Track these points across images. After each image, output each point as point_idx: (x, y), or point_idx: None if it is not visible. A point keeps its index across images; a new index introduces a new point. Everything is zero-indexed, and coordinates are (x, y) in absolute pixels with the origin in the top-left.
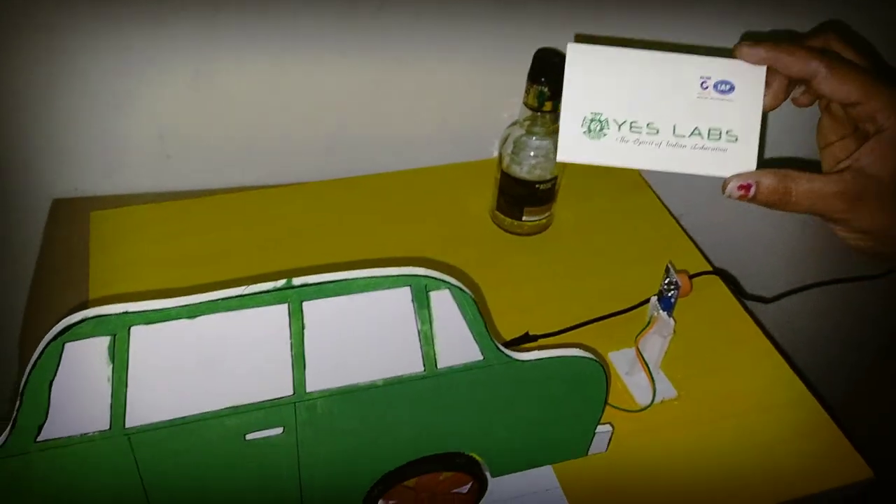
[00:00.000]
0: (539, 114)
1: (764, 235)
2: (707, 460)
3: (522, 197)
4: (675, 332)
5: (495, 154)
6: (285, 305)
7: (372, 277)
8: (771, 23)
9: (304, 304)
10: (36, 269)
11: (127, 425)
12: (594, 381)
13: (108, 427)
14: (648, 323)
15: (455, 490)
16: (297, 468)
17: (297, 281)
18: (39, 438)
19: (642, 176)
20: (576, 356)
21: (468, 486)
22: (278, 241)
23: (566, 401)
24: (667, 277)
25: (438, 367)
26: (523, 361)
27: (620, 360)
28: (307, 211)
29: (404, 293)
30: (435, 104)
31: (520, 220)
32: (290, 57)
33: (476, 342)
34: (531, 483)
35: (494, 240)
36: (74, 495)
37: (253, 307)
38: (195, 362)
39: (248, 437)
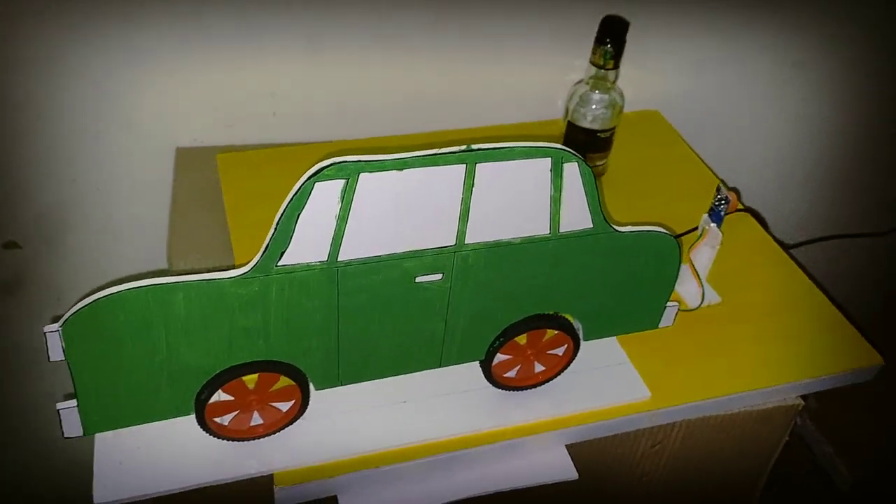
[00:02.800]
0: (603, 70)
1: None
2: (745, 347)
3: (586, 143)
4: (721, 242)
5: (560, 111)
6: (464, 166)
7: (529, 147)
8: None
9: (478, 165)
10: (172, 202)
11: (338, 259)
12: (670, 256)
13: (325, 259)
14: (700, 236)
15: (551, 351)
16: (445, 313)
17: (475, 146)
18: (279, 263)
19: (681, 136)
20: (660, 232)
21: (563, 348)
22: None
23: (647, 273)
24: (718, 194)
25: (560, 231)
26: (621, 233)
27: None
28: None
29: (545, 163)
30: (506, 69)
31: None
32: (387, 30)
33: (589, 211)
34: (604, 358)
35: None
36: (293, 316)
37: (442, 165)
38: (393, 209)
39: (418, 279)
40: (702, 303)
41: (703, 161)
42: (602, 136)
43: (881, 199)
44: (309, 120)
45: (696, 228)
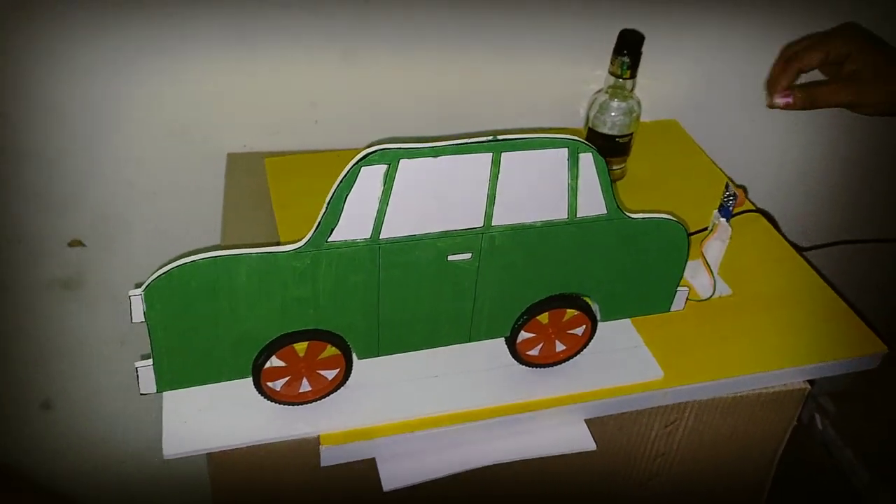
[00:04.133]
0: (621, 80)
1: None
2: (754, 334)
3: (605, 149)
4: (731, 237)
5: (581, 117)
6: (490, 154)
7: (549, 138)
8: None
9: (503, 154)
10: (224, 204)
11: (380, 237)
12: (679, 242)
13: (369, 236)
14: (711, 230)
15: (571, 331)
16: (474, 290)
17: (500, 137)
18: (329, 240)
19: (697, 143)
20: (669, 219)
21: (582, 328)
22: None
23: (658, 258)
24: (726, 191)
25: (577, 216)
26: (633, 219)
27: (686, 270)
28: None
29: (563, 153)
30: (531, 78)
31: None
32: (417, 43)
33: (603, 198)
34: (621, 341)
35: None
36: (339, 289)
37: (471, 153)
38: (429, 193)
39: (450, 258)
40: (713, 294)
41: (717, 166)
42: (620, 141)
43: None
44: (347, 127)
45: (706, 228)
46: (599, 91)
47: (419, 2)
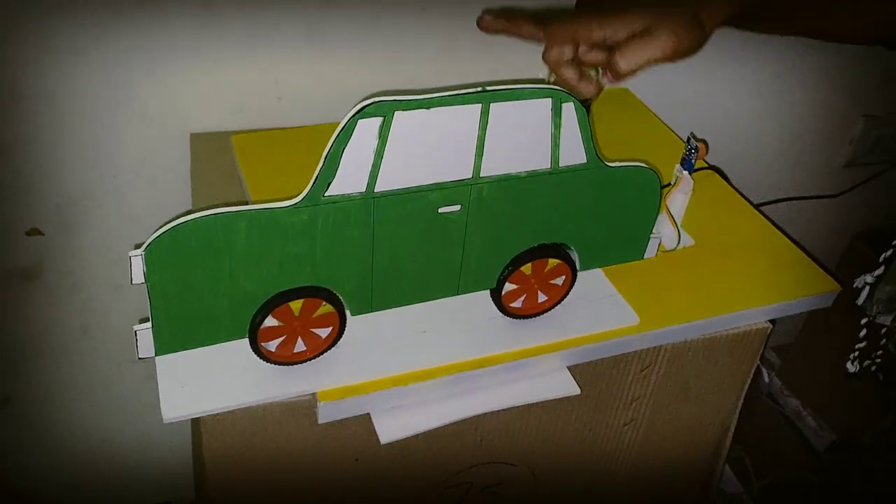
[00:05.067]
0: None
1: (753, 157)
2: (718, 280)
3: None
4: (693, 190)
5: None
6: (479, 105)
7: (534, 88)
8: None
9: (491, 105)
10: (192, 185)
11: (375, 190)
12: (652, 188)
13: (364, 190)
14: (674, 183)
15: (553, 281)
16: (463, 242)
17: (489, 87)
18: (326, 193)
19: (651, 110)
20: (644, 167)
21: (563, 278)
22: None
23: (633, 205)
24: (688, 144)
25: (560, 165)
26: (611, 167)
27: None
28: None
29: (547, 103)
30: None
31: None
32: (381, 24)
33: (584, 148)
34: (597, 291)
35: None
36: (335, 243)
37: (460, 104)
38: (421, 145)
39: (440, 210)
40: (678, 245)
41: (671, 130)
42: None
43: (831, 165)
44: (311, 104)
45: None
46: None
47: None
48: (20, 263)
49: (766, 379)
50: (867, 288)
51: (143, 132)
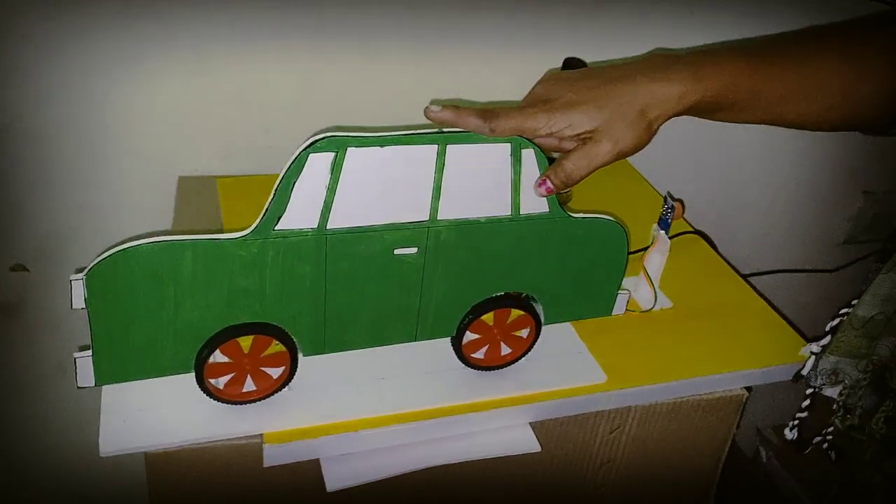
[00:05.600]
0: None
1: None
2: (693, 343)
3: None
4: (670, 249)
5: None
6: (436, 146)
7: None
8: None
9: (448, 147)
10: (174, 225)
11: (327, 227)
12: (619, 243)
13: (315, 226)
14: (651, 244)
15: (516, 333)
16: (420, 287)
17: (445, 129)
18: (276, 228)
19: (639, 173)
20: (608, 220)
21: (527, 330)
22: None
23: (599, 259)
24: (665, 203)
25: (521, 213)
26: (574, 219)
27: (628, 283)
28: None
29: (506, 148)
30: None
31: None
32: (367, 73)
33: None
34: (565, 347)
35: None
36: (286, 280)
37: (417, 144)
38: (376, 183)
39: (396, 251)
40: (654, 306)
41: (655, 190)
42: None
43: (829, 240)
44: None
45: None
46: None
47: (377, 27)
48: (2, 298)
49: (764, 459)
50: (812, 357)
51: (132, 171)
